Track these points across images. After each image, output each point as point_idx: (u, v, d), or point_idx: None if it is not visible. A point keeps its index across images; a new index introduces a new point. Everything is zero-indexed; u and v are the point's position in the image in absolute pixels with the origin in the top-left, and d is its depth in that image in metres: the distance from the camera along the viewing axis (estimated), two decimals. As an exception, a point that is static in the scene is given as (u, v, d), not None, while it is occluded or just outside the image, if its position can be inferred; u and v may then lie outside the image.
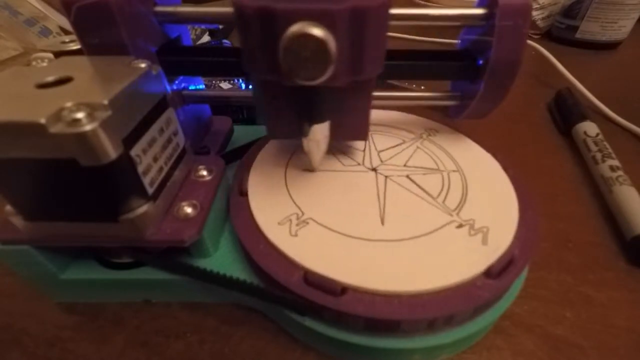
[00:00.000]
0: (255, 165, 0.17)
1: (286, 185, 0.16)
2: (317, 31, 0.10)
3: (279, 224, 0.14)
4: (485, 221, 0.14)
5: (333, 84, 0.12)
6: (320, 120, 0.14)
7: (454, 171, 0.16)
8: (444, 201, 0.15)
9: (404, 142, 0.19)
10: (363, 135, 0.16)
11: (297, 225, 0.14)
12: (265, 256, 0.13)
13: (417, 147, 0.18)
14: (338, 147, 0.18)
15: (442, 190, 0.15)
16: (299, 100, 0.13)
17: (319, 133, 0.14)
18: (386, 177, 0.16)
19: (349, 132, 0.16)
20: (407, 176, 0.16)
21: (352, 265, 0.12)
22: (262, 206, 0.14)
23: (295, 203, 0.15)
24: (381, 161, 0.17)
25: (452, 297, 0.11)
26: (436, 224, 0.14)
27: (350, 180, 0.16)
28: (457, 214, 0.14)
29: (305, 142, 0.15)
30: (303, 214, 0.14)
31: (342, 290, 0.11)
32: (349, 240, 0.13)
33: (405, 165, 0.17)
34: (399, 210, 0.14)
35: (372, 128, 0.20)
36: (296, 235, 0.13)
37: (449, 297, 0.11)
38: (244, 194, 0.15)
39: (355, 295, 0.11)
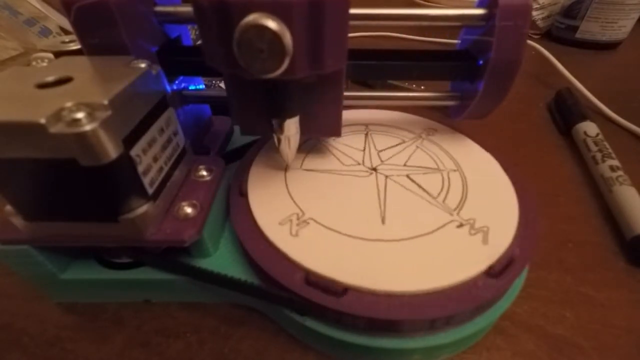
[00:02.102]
0: (255, 165, 0.17)
1: (286, 185, 0.15)
2: (270, 23, 0.10)
3: (279, 224, 0.14)
4: (486, 221, 0.14)
5: (292, 77, 0.12)
6: (289, 115, 0.14)
7: (453, 170, 0.16)
8: (444, 200, 0.15)
9: (404, 141, 0.19)
10: (336, 131, 0.16)
11: (297, 225, 0.14)
12: (265, 257, 0.13)
13: (417, 147, 0.18)
14: (337, 146, 0.18)
15: (442, 189, 0.15)
16: (266, 94, 0.13)
17: (289, 129, 0.14)
18: (386, 176, 0.16)
19: (321, 127, 0.16)
20: (407, 176, 0.16)
21: (353, 266, 0.12)
22: (262, 206, 0.14)
23: (295, 203, 0.15)
24: (381, 161, 0.17)
25: (454, 297, 0.11)
26: (437, 223, 0.14)
27: (350, 180, 0.16)
28: (458, 213, 0.14)
29: (276, 138, 0.14)
30: (303, 213, 0.14)
31: (343, 290, 0.11)
32: (349, 240, 0.13)
33: (405, 165, 0.17)
34: (400, 209, 0.14)
35: (371, 128, 0.20)
36: (297, 235, 0.13)
37: (450, 297, 0.11)
38: (243, 194, 0.15)
39: (357, 296, 0.11)
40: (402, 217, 0.14)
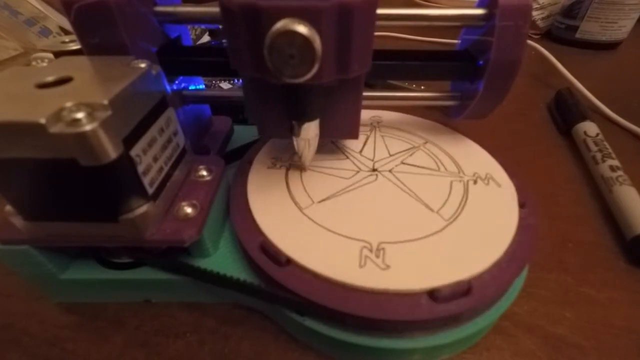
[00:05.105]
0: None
1: (324, 227, 0.14)
2: (302, 28, 0.10)
3: (360, 267, 0.12)
4: (483, 170, 0.16)
5: (319, 82, 0.12)
6: (310, 118, 0.14)
7: (425, 143, 0.18)
8: (446, 169, 0.16)
9: (367, 136, 0.19)
10: (354, 133, 0.16)
11: (377, 257, 0.13)
12: (371, 305, 0.11)
13: (382, 136, 0.19)
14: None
15: (435, 161, 0.17)
16: (288, 98, 0.13)
17: (309, 131, 0.14)
18: (390, 171, 0.16)
19: (340, 130, 0.16)
20: (403, 162, 0.17)
21: (460, 260, 0.12)
22: (327, 262, 0.13)
23: (353, 238, 0.13)
24: (372, 160, 0.17)
25: (524, 235, 0.13)
26: (461, 189, 0.15)
27: (367, 190, 0.16)
28: (464, 174, 0.16)
29: (296, 140, 0.15)
30: (371, 244, 0.13)
31: (469, 285, 0.12)
32: (429, 241, 0.13)
33: (391, 155, 0.18)
34: (430, 193, 0.15)
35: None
36: (388, 266, 0.12)
37: (524, 237, 0.13)
38: (284, 263, 0.13)
39: (482, 281, 0.12)
40: (438, 199, 0.15)
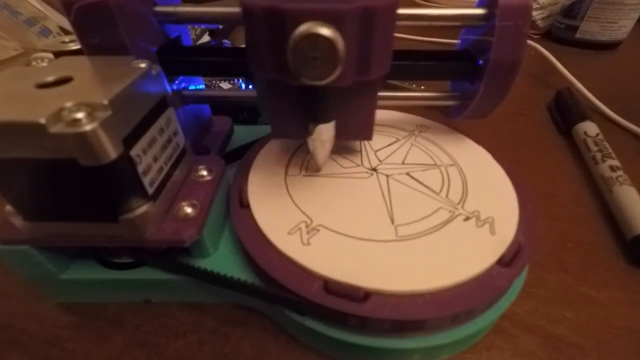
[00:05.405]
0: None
1: (289, 193, 0.15)
2: (325, 31, 0.10)
3: (288, 234, 0.13)
4: (490, 213, 0.14)
5: (340, 84, 0.12)
6: (326, 120, 0.14)
7: (450, 165, 0.17)
8: (447, 195, 0.15)
9: (398, 140, 0.19)
10: (368, 135, 0.16)
11: (307, 233, 0.13)
12: (279, 268, 0.12)
13: (412, 144, 0.18)
14: (334, 149, 0.18)
15: (443, 185, 0.16)
16: (305, 100, 0.13)
17: (325, 133, 0.14)
18: (387, 176, 0.16)
19: (354, 131, 0.16)
20: (408, 173, 0.16)
21: (371, 269, 0.12)
22: (268, 217, 0.14)
23: (301, 210, 0.14)
24: (379, 161, 0.17)
25: (472, 290, 0.12)
26: (443, 218, 0.14)
27: (353, 183, 0.16)
28: (462, 206, 0.14)
29: (311, 142, 0.15)
30: (312, 221, 0.14)
31: (365, 295, 0.11)
32: (362, 244, 0.13)
33: (403, 163, 0.17)
34: (406, 208, 0.14)
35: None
36: (309, 244, 0.13)
37: (469, 291, 0.12)
38: (244, 205, 0.15)
39: (380, 299, 0.11)
40: (409, 215, 0.14)
